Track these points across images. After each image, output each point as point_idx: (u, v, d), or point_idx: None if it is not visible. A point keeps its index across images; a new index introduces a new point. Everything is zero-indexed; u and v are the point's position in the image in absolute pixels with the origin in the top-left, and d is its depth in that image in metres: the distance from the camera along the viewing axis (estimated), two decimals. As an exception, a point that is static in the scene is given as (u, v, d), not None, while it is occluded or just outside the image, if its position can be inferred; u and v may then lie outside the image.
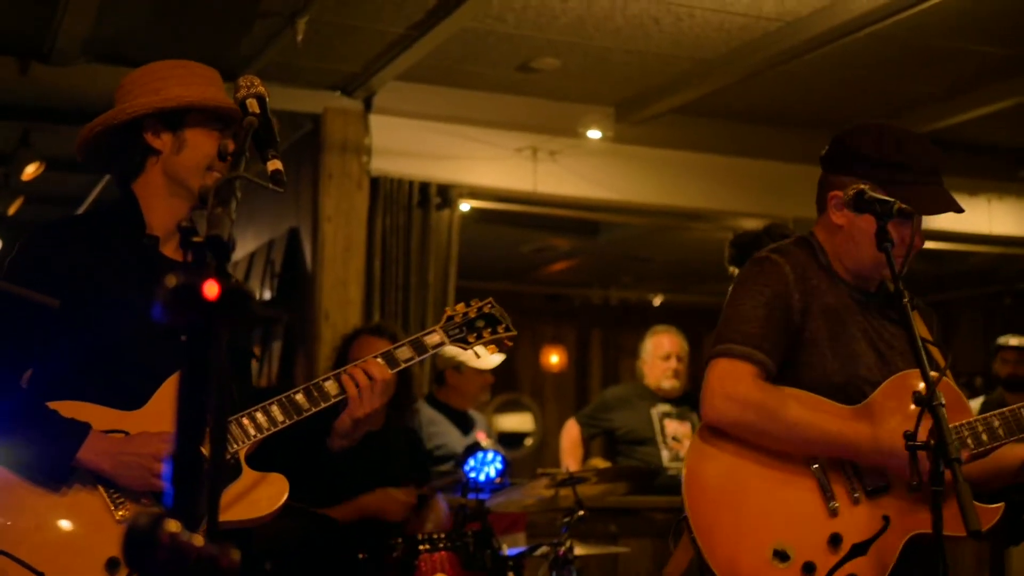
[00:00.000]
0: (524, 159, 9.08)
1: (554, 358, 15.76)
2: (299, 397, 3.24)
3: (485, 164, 8.96)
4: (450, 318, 3.58)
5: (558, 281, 14.72)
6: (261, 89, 2.60)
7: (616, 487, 5.92)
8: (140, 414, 3.07)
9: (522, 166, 9.08)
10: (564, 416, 10.13)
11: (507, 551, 5.15)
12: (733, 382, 3.36)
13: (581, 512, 5.33)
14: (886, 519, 3.33)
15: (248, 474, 3.17)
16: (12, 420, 3.00)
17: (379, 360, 3.38)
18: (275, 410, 3.22)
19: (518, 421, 15.48)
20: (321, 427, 3.41)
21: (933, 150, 3.52)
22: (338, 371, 3.34)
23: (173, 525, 1.16)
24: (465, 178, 8.94)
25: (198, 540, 1.18)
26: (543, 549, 5.37)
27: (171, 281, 1.28)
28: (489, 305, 3.66)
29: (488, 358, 3.82)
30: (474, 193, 9.11)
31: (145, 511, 1.20)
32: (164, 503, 1.23)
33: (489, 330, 3.60)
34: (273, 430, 3.21)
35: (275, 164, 2.49)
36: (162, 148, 3.28)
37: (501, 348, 3.66)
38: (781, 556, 3.28)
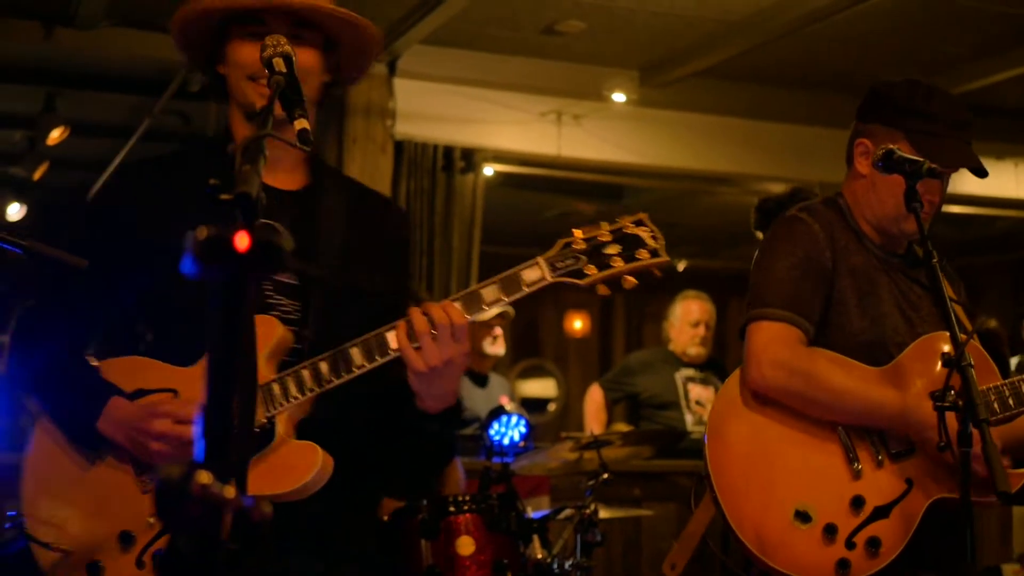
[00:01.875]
0: (548, 123, 9.05)
1: (577, 323, 15.75)
2: (354, 351, 2.73)
3: (509, 128, 8.93)
4: (567, 245, 2.77)
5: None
6: (287, 48, 2.55)
7: (640, 450, 5.93)
8: (192, 371, 2.84)
9: (546, 130, 9.06)
10: (587, 382, 10.13)
11: (531, 514, 5.16)
12: (778, 347, 3.34)
13: (606, 475, 5.34)
14: (909, 482, 3.32)
15: (282, 442, 2.75)
16: (49, 380, 2.94)
17: (455, 303, 2.72)
18: (323, 367, 2.74)
19: (541, 387, 15.49)
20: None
21: (963, 108, 3.52)
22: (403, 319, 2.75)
23: (204, 476, 1.16)
24: (489, 142, 8.93)
25: (230, 492, 1.18)
26: (567, 512, 5.37)
27: (201, 233, 1.28)
28: (633, 223, 2.81)
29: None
30: (498, 157, 9.10)
31: (176, 464, 1.19)
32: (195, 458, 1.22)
33: (624, 257, 2.75)
34: (319, 390, 2.74)
35: (302, 123, 2.40)
36: (223, 70, 2.96)
37: (643, 279, 2.78)
38: (803, 517, 3.27)
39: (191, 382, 2.84)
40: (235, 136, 2.96)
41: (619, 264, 2.75)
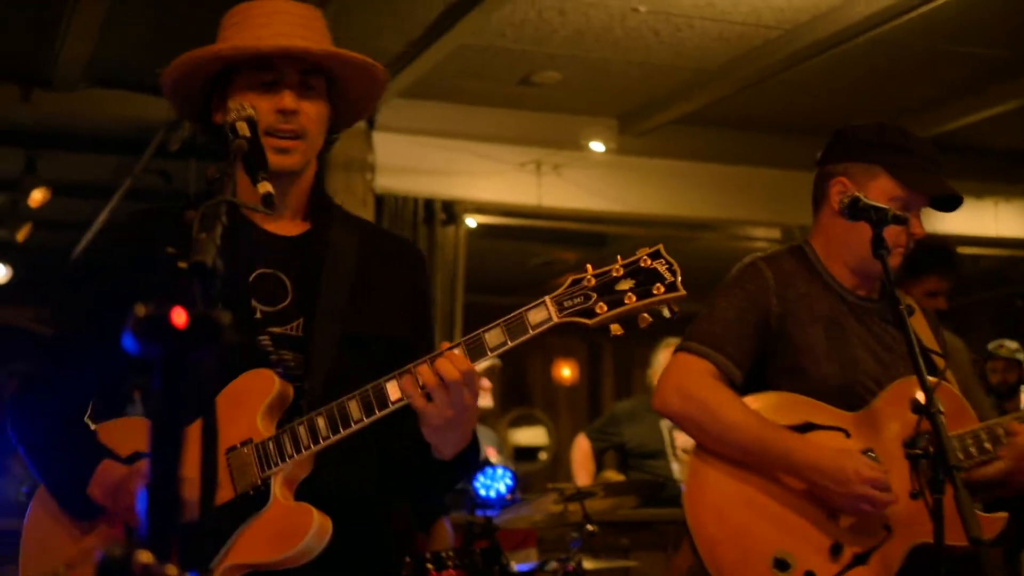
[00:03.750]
0: (528, 173, 9.09)
1: (566, 371, 15.75)
2: (351, 404, 2.58)
3: (489, 179, 8.96)
4: (576, 282, 2.58)
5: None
6: (251, 111, 2.52)
7: (625, 500, 5.91)
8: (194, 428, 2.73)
9: (526, 180, 9.09)
10: (577, 428, 10.11)
11: (516, 567, 5.13)
12: (684, 375, 3.40)
13: (590, 527, 5.32)
14: (887, 529, 3.31)
15: (276, 505, 2.60)
16: (42, 446, 2.84)
17: (456, 351, 2.55)
18: (320, 422, 2.58)
19: (532, 435, 15.47)
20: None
21: (933, 147, 3.56)
22: (404, 369, 2.59)
23: (145, 556, 1.15)
24: (470, 194, 8.96)
25: (171, 571, 1.17)
26: (552, 565, 5.35)
27: (140, 310, 1.28)
28: (649, 255, 2.59)
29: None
30: (479, 208, 9.12)
31: (120, 543, 1.18)
32: (139, 535, 1.21)
33: (637, 293, 2.54)
34: (316, 448, 2.59)
35: (266, 187, 2.35)
36: (221, 120, 2.76)
37: (658, 316, 2.58)
38: (781, 565, 3.27)
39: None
40: (240, 189, 2.77)
41: (632, 300, 2.53)
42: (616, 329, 2.57)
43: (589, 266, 2.60)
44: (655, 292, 2.53)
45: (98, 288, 2.85)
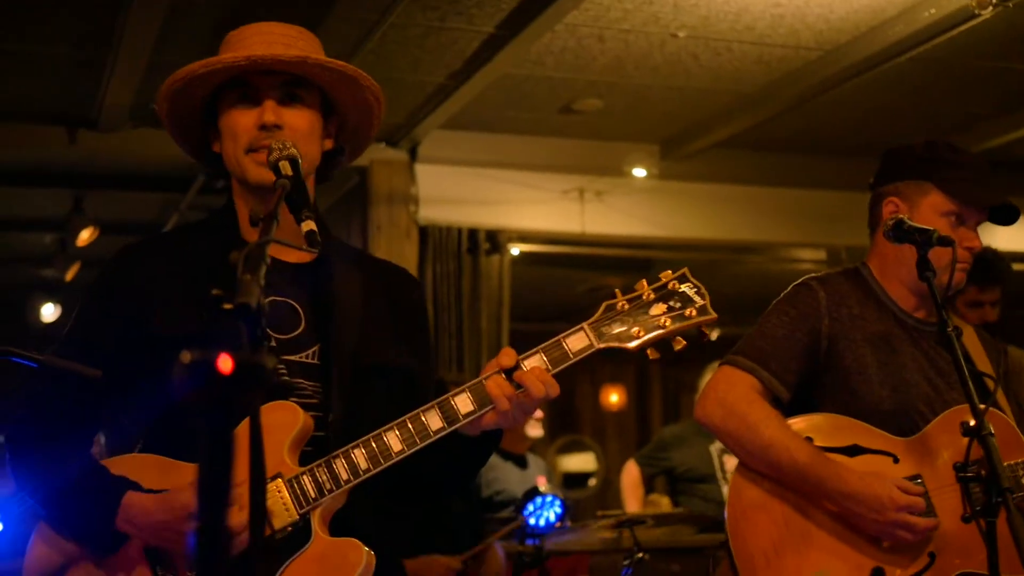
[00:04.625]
0: (571, 200, 9.10)
1: (614, 397, 15.70)
2: (390, 437, 2.56)
3: (532, 207, 8.98)
4: (610, 308, 2.62)
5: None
6: (294, 151, 2.52)
7: (677, 530, 5.89)
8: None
9: (569, 207, 9.10)
10: (626, 454, 10.09)
11: (567, 596, 5.12)
12: (727, 388, 3.38)
13: (640, 555, 5.30)
14: (932, 556, 3.25)
15: (320, 541, 2.56)
16: (64, 491, 2.71)
17: (539, 364, 2.58)
18: (358, 456, 2.56)
19: (581, 461, 15.42)
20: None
21: (983, 159, 3.56)
22: (470, 383, 2.59)
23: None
24: (513, 222, 8.97)
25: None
26: (604, 592, 5.34)
27: (185, 358, 1.29)
28: (677, 279, 2.65)
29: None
30: (523, 237, 9.13)
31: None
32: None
33: (672, 316, 2.60)
34: (356, 481, 2.57)
35: (309, 225, 2.34)
36: (219, 148, 2.80)
37: (693, 340, 2.64)
38: (822, 587, 3.24)
39: None
40: (239, 213, 2.83)
41: (667, 324, 2.60)
42: (652, 353, 2.63)
43: (618, 291, 2.64)
44: (688, 315, 2.61)
45: (107, 317, 2.79)
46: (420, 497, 2.91)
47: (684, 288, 2.64)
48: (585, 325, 2.61)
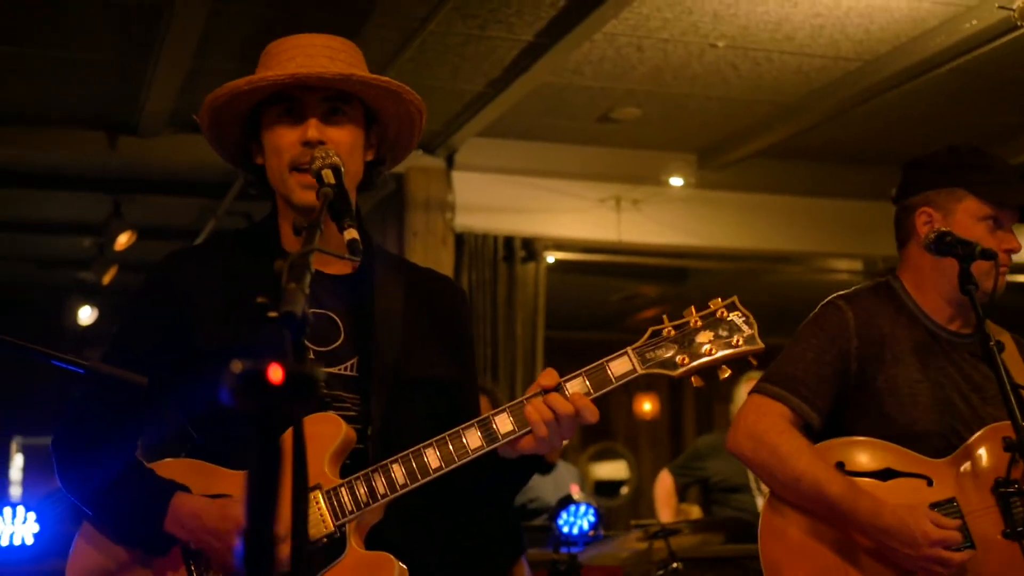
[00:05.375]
0: (608, 209, 9.10)
1: (647, 405, 15.68)
2: (429, 453, 2.56)
3: (569, 216, 8.98)
4: (656, 333, 2.61)
5: (648, 329, 14.62)
6: (336, 160, 2.51)
7: (710, 538, 5.87)
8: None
9: (606, 216, 9.10)
10: (659, 463, 10.06)
11: (602, 606, 5.11)
12: (758, 419, 3.33)
13: (675, 565, 5.29)
14: (969, 576, 3.23)
15: (354, 553, 2.57)
16: (111, 492, 2.72)
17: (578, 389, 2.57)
18: (396, 471, 2.57)
19: (613, 469, 15.40)
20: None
21: (1007, 161, 3.52)
22: (511, 404, 2.59)
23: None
24: (549, 230, 8.98)
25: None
26: (638, 602, 5.33)
27: (236, 367, 1.29)
28: (726, 307, 2.63)
29: None
30: (559, 245, 9.13)
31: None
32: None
33: (718, 345, 2.58)
34: (392, 496, 2.58)
35: (351, 234, 2.33)
36: (262, 160, 2.80)
37: (738, 368, 2.62)
38: (856, 610, 3.20)
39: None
40: (281, 227, 2.82)
41: (712, 353, 2.57)
42: (696, 381, 2.61)
43: (665, 317, 2.63)
44: (735, 344, 2.58)
45: (150, 326, 2.80)
46: (457, 513, 2.90)
47: (732, 316, 2.61)
48: (629, 350, 2.60)
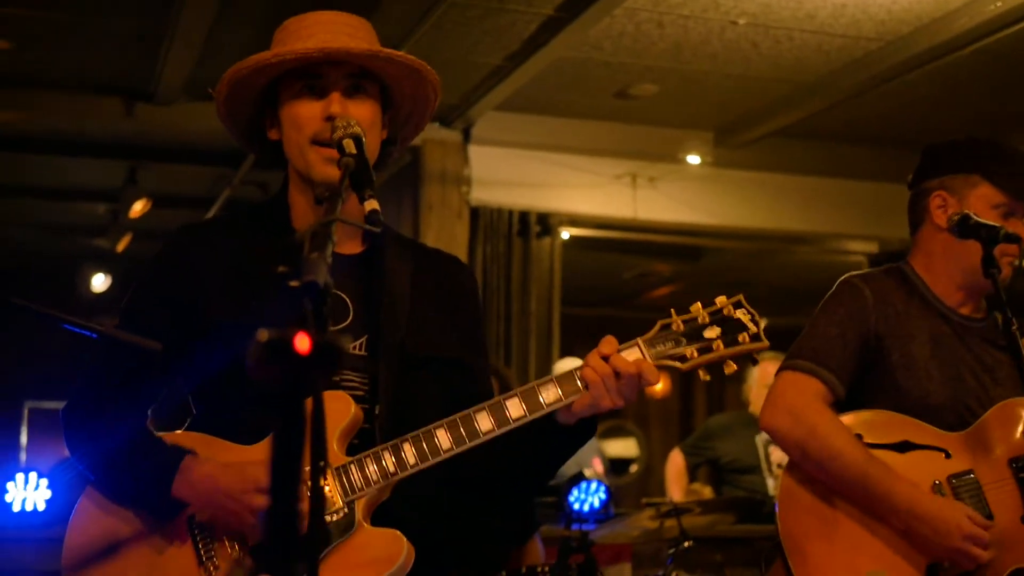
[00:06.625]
0: (624, 186, 9.07)
1: (658, 384, 15.67)
2: (440, 434, 2.59)
3: (585, 192, 8.96)
4: (665, 327, 2.67)
5: (661, 307, 14.58)
6: (357, 129, 2.51)
7: (722, 517, 5.86)
8: (260, 448, 2.66)
9: (622, 193, 9.07)
10: (669, 442, 10.06)
11: (612, 583, 5.11)
12: (794, 395, 3.35)
13: (687, 543, 5.28)
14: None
15: (363, 531, 2.58)
16: (120, 456, 2.71)
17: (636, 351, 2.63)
18: (407, 450, 2.58)
19: (623, 447, 15.38)
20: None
21: None
22: (560, 374, 2.62)
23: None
24: (565, 206, 8.96)
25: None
26: (648, 580, 5.33)
27: (262, 336, 1.27)
28: (732, 305, 2.70)
29: None
30: (574, 221, 9.12)
31: (241, 568, 1.18)
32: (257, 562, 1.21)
33: (725, 340, 2.65)
34: (402, 475, 2.59)
35: (372, 204, 2.34)
36: (276, 135, 2.80)
37: (742, 363, 2.70)
38: (876, 582, 3.21)
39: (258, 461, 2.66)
40: (292, 204, 2.82)
41: (720, 348, 2.65)
42: (704, 375, 2.69)
43: (673, 311, 2.70)
44: (741, 341, 2.66)
45: (161, 298, 2.79)
46: (467, 491, 2.88)
47: (739, 314, 2.69)
48: (640, 341, 2.65)
